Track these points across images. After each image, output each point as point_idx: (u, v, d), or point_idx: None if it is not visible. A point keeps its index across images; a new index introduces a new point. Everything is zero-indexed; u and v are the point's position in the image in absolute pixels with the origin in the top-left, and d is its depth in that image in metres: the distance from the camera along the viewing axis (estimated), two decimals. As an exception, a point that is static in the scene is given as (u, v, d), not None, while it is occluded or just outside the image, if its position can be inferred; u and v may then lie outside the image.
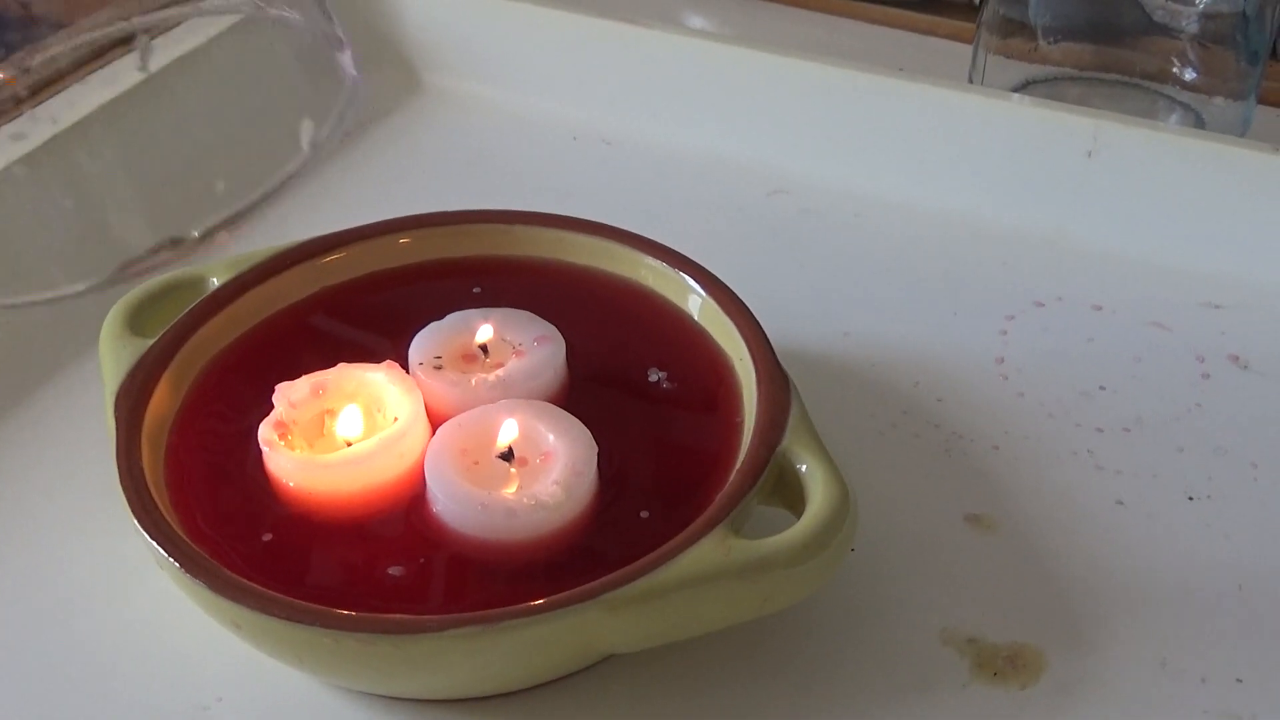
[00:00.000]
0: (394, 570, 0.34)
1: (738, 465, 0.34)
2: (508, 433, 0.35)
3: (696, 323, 0.40)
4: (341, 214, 0.43)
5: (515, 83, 0.58)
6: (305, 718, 0.34)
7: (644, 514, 0.35)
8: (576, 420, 0.35)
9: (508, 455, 0.35)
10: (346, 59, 0.33)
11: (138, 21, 0.37)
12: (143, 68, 0.37)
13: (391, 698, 0.34)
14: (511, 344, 0.38)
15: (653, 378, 0.38)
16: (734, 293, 0.39)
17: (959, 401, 0.43)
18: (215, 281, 0.40)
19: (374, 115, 0.56)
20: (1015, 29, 0.55)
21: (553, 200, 0.44)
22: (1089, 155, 0.49)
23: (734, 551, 0.32)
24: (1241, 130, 0.54)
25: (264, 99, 0.43)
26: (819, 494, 0.33)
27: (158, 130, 0.46)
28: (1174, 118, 0.55)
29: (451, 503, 0.34)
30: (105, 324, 0.39)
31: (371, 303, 0.41)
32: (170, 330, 0.39)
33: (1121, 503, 0.39)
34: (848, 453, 0.40)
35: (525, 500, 0.34)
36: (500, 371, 0.37)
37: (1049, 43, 0.56)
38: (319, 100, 0.33)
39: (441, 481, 0.34)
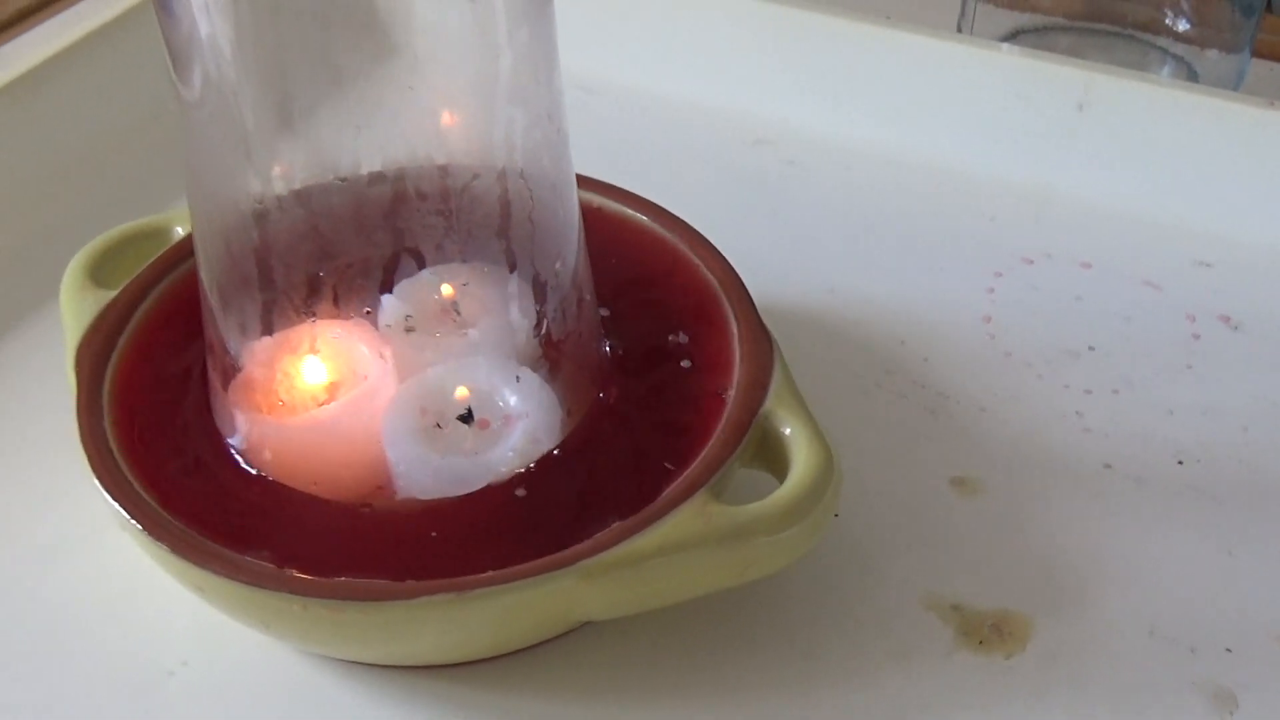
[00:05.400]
0: (358, 533, 0.32)
1: (719, 429, 0.33)
2: (465, 394, 0.34)
3: (678, 280, 0.38)
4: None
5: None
6: (273, 683, 0.33)
7: (614, 481, 0.34)
8: (543, 384, 0.34)
9: (467, 417, 0.34)
10: None
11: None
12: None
13: (361, 663, 0.34)
14: (485, 302, 0.37)
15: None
16: (716, 249, 0.38)
17: (945, 361, 0.42)
18: (181, 231, 0.39)
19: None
20: (1006, -23, 0.54)
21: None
22: (1080, 108, 0.48)
23: (714, 518, 0.31)
24: (1236, 84, 0.53)
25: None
26: (802, 459, 0.32)
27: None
28: (1166, 70, 0.53)
29: (404, 465, 0.33)
30: (66, 275, 0.38)
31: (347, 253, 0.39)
32: (133, 282, 0.37)
33: (1110, 466, 0.38)
34: (830, 412, 0.39)
35: (479, 468, 0.32)
36: (473, 331, 0.36)
37: (1040, -9, 0.54)
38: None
39: (394, 444, 0.33)
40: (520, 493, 0.33)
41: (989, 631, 0.34)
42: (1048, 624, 0.34)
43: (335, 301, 0.34)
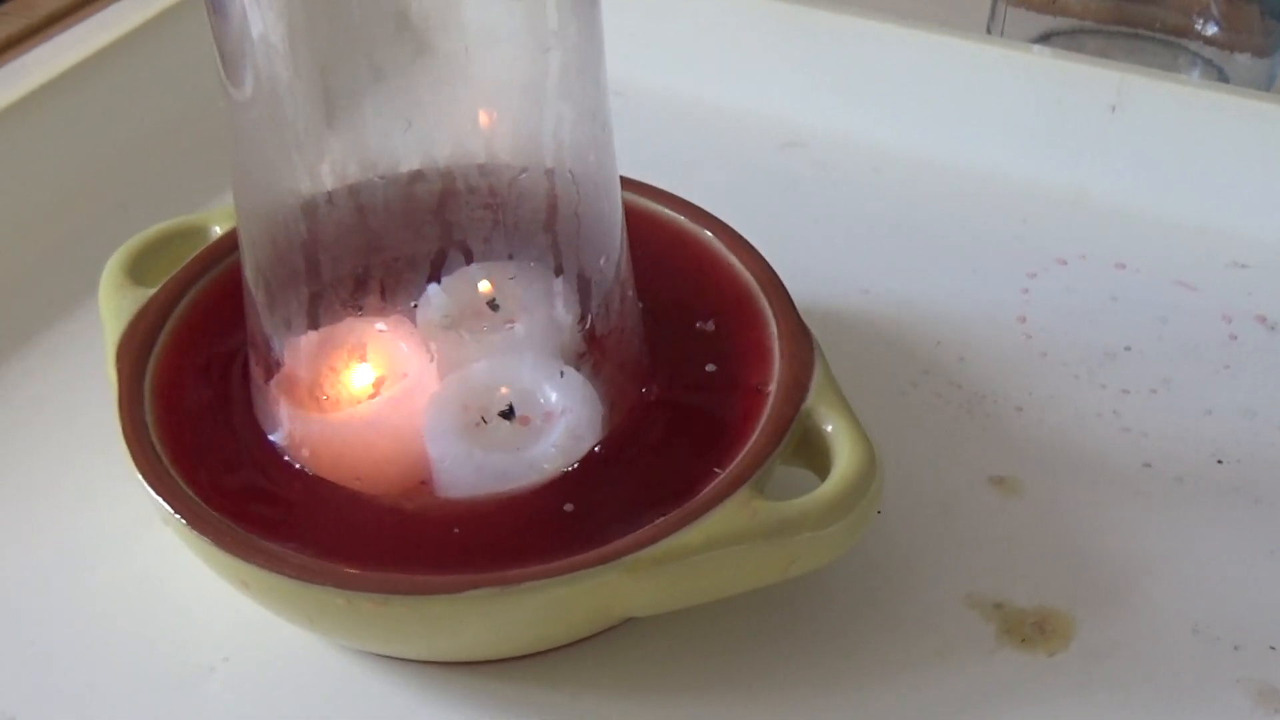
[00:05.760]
0: (398, 529, 0.32)
1: (761, 425, 0.33)
2: (507, 390, 0.34)
3: (716, 280, 0.38)
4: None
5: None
6: (314, 680, 0.33)
7: (656, 477, 0.33)
8: (586, 380, 0.34)
9: (509, 413, 0.34)
10: None
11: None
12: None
13: (402, 659, 0.34)
14: (529, 298, 0.37)
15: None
16: (754, 248, 0.38)
17: (981, 361, 0.42)
18: (218, 230, 0.39)
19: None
20: (1036, -20, 0.54)
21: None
22: (1113, 109, 0.48)
23: (759, 513, 0.31)
24: (1266, 87, 0.53)
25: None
26: (845, 455, 0.32)
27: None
28: (1196, 73, 0.53)
29: (446, 461, 0.33)
30: (105, 273, 0.38)
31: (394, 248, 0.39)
32: (172, 280, 0.37)
33: (1149, 465, 0.38)
34: (868, 412, 0.39)
35: (521, 464, 0.32)
36: (517, 327, 0.36)
37: (1070, -6, 0.54)
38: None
39: (437, 439, 0.33)
40: (563, 496, 0.33)
41: (1031, 629, 0.34)
42: (1090, 622, 0.34)
43: (382, 296, 0.34)
